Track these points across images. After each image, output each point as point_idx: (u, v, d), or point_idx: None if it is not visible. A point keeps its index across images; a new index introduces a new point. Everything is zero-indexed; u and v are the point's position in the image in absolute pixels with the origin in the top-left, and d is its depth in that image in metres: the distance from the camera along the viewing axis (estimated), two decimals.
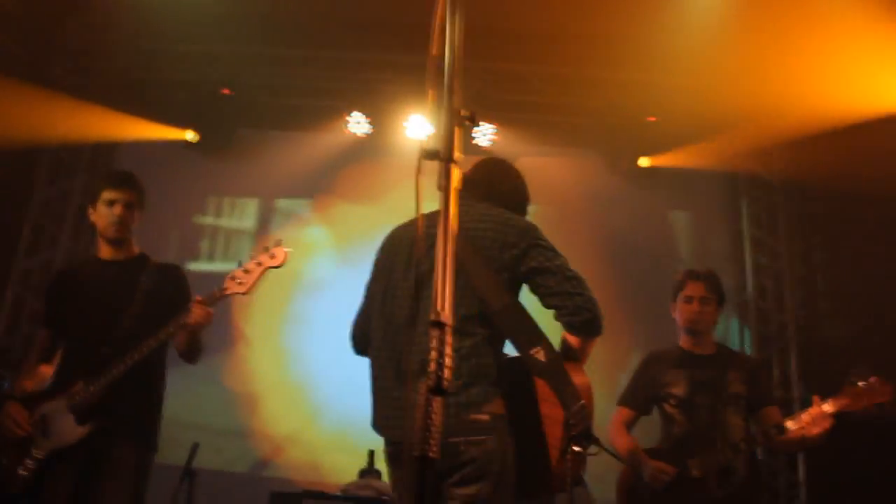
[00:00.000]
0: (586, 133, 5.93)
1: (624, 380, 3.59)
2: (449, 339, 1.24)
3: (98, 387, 2.75)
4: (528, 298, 2.26)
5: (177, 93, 5.82)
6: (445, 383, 1.21)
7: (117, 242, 3.02)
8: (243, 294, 2.78)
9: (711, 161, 5.52)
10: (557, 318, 2.20)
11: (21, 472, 2.76)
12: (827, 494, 5.04)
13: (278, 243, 2.84)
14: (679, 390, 3.30)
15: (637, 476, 3.29)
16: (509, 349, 2.25)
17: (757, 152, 5.63)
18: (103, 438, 2.77)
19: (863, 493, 4.63)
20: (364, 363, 2.38)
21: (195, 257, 5.76)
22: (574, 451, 2.04)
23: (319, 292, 5.57)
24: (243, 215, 6.05)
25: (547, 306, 2.20)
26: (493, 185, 2.44)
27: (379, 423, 2.25)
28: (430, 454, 1.22)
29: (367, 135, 5.84)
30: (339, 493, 4.12)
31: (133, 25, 5.52)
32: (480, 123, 5.67)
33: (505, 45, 5.52)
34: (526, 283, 2.23)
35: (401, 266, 2.29)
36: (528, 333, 2.16)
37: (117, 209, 2.96)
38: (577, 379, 2.15)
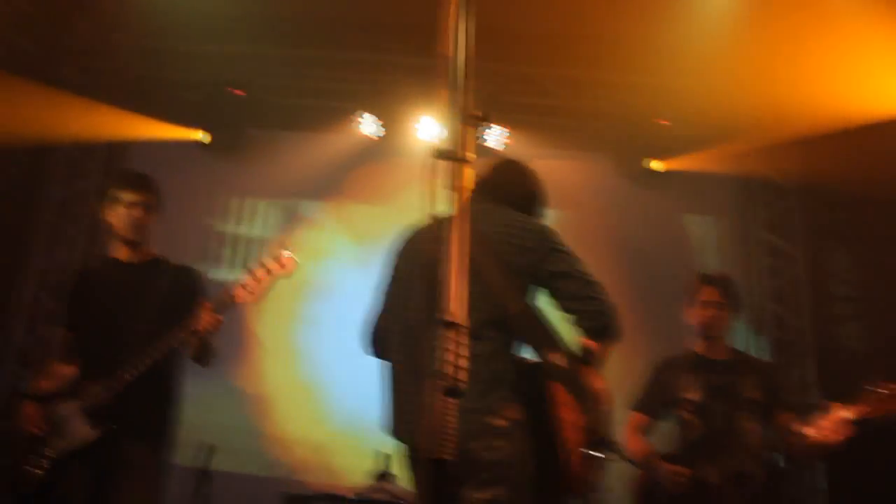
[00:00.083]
0: (598, 136, 5.89)
1: (637, 385, 3.57)
2: (464, 340, 1.23)
3: (112, 390, 2.76)
4: (540, 302, 2.25)
5: (187, 93, 5.84)
6: (461, 385, 1.20)
7: (134, 244, 3.02)
8: (252, 303, 2.80)
9: (724, 165, 5.48)
10: (576, 322, 2.18)
11: (35, 471, 2.77)
12: (849, 503, 4.98)
13: (287, 250, 2.84)
14: (694, 395, 3.27)
15: (653, 481, 3.26)
16: (526, 353, 2.22)
17: (770, 155, 5.59)
18: (119, 440, 2.77)
19: (886, 502, 4.56)
20: (376, 364, 2.37)
21: (204, 258, 5.76)
22: (594, 456, 2.03)
23: (331, 294, 5.57)
24: (253, 216, 6.06)
25: (566, 311, 2.18)
26: (510, 187, 2.41)
27: (401, 430, 2.20)
28: (445, 457, 1.21)
29: (379, 136, 5.83)
30: (353, 497, 4.10)
31: (141, 26, 5.53)
32: (492, 126, 5.66)
33: (516, 48, 5.51)
34: (545, 287, 2.21)
35: (418, 269, 2.27)
36: (546, 338, 2.14)
37: (136, 211, 2.96)
38: (595, 384, 2.13)
